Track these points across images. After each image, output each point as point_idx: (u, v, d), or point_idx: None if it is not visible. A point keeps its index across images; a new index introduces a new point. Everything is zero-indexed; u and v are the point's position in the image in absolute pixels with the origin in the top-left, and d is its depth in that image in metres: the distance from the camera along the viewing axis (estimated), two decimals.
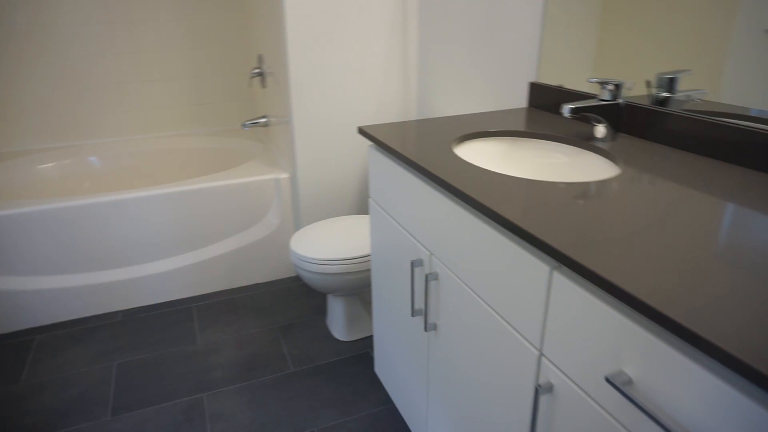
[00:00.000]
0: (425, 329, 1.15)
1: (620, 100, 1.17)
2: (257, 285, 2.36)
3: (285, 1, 1.92)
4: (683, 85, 1.08)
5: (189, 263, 2.23)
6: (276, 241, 2.34)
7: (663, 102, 1.13)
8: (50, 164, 2.57)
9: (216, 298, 2.26)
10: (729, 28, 0.97)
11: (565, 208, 0.81)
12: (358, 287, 1.85)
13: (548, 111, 1.45)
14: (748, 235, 0.71)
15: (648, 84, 1.16)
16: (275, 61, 2.23)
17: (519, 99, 1.58)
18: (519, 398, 0.87)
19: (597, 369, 0.68)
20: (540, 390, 0.79)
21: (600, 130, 1.17)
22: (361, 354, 1.90)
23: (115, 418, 1.62)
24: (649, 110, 1.14)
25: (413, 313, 1.18)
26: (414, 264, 1.16)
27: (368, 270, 1.79)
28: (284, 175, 2.28)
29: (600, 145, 1.13)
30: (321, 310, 2.17)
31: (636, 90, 1.19)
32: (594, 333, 0.67)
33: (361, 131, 1.34)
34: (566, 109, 1.12)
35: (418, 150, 1.13)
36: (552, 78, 1.43)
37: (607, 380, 0.63)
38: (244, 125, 2.56)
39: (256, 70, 2.56)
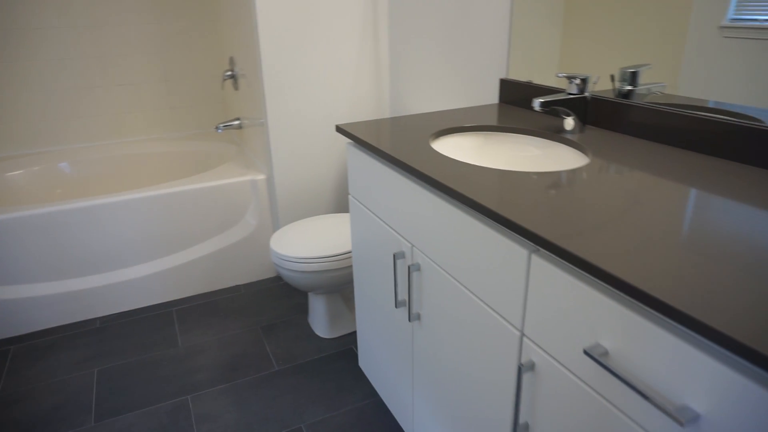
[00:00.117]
0: (409, 320, 1.19)
1: (587, 94, 1.23)
2: (237, 287, 2.36)
3: (256, 4, 1.93)
4: (644, 79, 1.15)
5: (167, 267, 2.21)
6: (255, 242, 2.34)
7: (626, 95, 1.19)
8: (19, 171, 2.52)
9: (196, 301, 2.26)
10: (685, 24, 1.04)
11: (539, 196, 0.86)
12: (339, 284, 1.87)
13: (519, 106, 1.51)
14: (708, 215, 0.77)
15: (612, 78, 1.22)
16: (247, 63, 2.24)
17: (490, 95, 1.63)
18: (503, 379, 0.91)
19: (575, 344, 0.73)
20: (522, 369, 0.83)
21: (569, 123, 1.23)
22: (344, 350, 1.93)
23: (99, 424, 1.61)
24: (614, 103, 1.21)
25: (397, 304, 1.22)
26: (396, 256, 1.19)
27: (349, 267, 1.82)
28: (261, 177, 2.29)
29: (569, 137, 1.19)
30: (303, 309, 2.19)
31: (601, 84, 1.25)
32: (571, 310, 0.72)
33: (339, 129, 1.37)
34: (537, 102, 1.17)
35: (396, 146, 1.17)
36: (521, 74, 1.49)
37: (585, 353, 0.68)
38: (217, 128, 2.55)
39: (228, 73, 2.56)
